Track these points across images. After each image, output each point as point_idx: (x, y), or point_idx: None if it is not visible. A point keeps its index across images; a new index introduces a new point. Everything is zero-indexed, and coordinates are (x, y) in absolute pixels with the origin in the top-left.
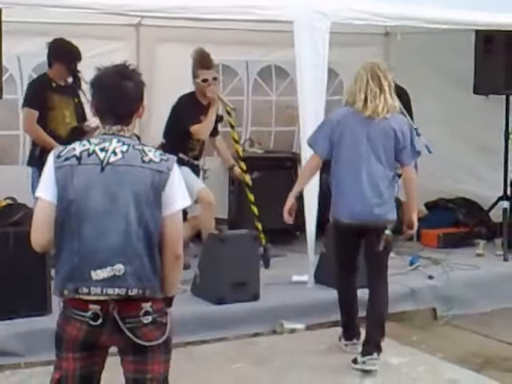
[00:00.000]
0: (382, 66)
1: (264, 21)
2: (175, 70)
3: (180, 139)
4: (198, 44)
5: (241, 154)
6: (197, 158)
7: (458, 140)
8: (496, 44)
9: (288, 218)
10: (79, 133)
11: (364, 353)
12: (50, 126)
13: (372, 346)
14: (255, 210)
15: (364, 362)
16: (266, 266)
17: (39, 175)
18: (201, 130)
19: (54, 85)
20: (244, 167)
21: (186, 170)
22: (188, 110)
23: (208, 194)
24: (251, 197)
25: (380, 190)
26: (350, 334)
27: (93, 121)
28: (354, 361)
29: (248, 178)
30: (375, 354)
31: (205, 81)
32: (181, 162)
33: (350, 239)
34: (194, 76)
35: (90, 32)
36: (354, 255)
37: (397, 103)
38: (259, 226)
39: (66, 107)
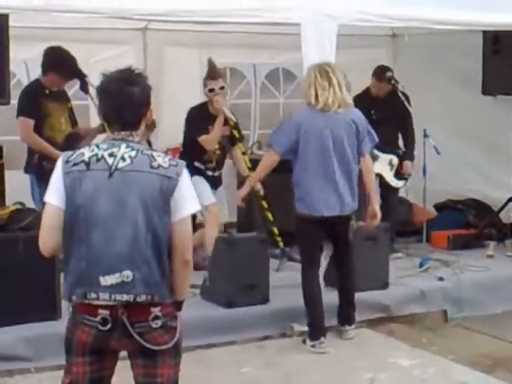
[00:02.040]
0: (331, 64)
1: (271, 23)
2: (183, 73)
3: (194, 149)
4: (205, 47)
5: (248, 164)
6: (215, 169)
7: (467, 141)
8: (504, 44)
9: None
10: (75, 138)
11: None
12: (47, 134)
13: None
14: (270, 216)
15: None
16: (278, 269)
17: (37, 182)
18: (207, 140)
19: (47, 92)
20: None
21: (199, 179)
22: (197, 120)
23: (216, 210)
24: (264, 204)
25: (351, 182)
26: (317, 332)
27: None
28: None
29: (259, 187)
30: (346, 326)
31: (211, 90)
32: (196, 171)
33: (320, 233)
34: (204, 86)
35: (97, 36)
36: (321, 250)
37: (348, 98)
38: (275, 230)
39: (61, 114)
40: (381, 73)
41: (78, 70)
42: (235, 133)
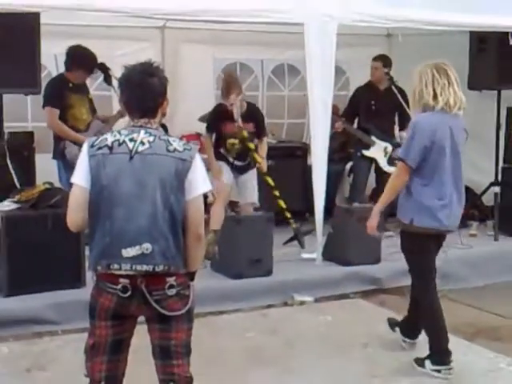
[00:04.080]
0: (446, 62)
1: (277, 23)
2: (197, 68)
3: (216, 139)
4: (217, 44)
5: (259, 160)
6: (235, 158)
7: None
8: (489, 43)
9: (374, 232)
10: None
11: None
12: (70, 123)
13: None
14: (282, 202)
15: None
16: (302, 246)
17: (64, 167)
18: (214, 171)
19: (70, 85)
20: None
21: (222, 163)
22: (213, 117)
23: (224, 189)
24: (276, 192)
25: (463, 191)
26: (445, 357)
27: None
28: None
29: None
30: None
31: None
32: (219, 157)
33: (433, 246)
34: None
35: (119, 33)
36: None
37: (464, 99)
38: (288, 215)
39: (83, 105)
40: (375, 56)
41: (98, 64)
42: (250, 144)
